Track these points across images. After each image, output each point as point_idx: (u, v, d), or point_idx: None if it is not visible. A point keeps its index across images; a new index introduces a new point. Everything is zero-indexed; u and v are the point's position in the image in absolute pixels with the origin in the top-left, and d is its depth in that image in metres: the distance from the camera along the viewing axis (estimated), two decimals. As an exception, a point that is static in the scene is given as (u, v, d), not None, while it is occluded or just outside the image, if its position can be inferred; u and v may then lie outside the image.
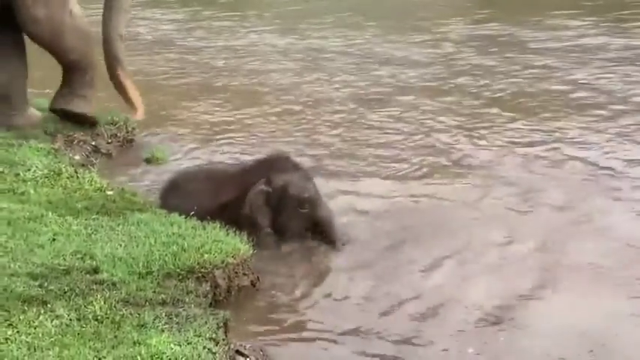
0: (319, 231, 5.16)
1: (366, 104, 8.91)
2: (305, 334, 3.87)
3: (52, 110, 6.47)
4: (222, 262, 4.02)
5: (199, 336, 3.14)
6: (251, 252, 4.26)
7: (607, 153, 6.93)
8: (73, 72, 6.25)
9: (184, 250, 4.02)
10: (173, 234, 4.27)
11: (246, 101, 9.11)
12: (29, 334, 2.98)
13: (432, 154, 6.98)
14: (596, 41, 12.16)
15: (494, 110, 8.49)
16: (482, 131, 7.67)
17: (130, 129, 6.97)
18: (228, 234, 4.37)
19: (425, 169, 6.61)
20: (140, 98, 6.59)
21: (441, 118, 8.16)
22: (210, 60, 11.83)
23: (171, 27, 15.14)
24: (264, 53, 12.68)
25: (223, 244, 4.18)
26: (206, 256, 3.96)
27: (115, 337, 3.03)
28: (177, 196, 5.04)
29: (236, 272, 4.09)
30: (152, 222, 4.44)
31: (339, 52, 12.60)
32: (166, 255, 3.94)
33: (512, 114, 8.27)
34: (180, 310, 3.40)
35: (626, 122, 7.80)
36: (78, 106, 6.25)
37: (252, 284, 4.24)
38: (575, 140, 7.38)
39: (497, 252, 5.01)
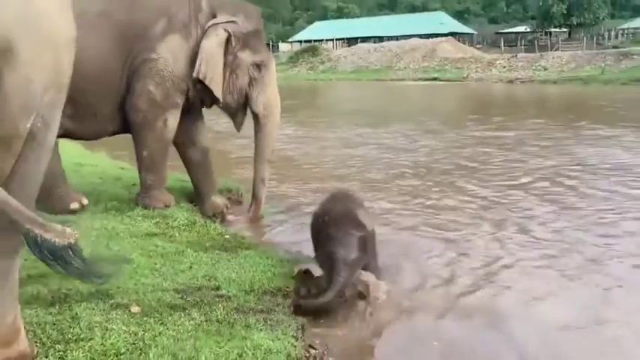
0: None
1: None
2: (360, 333, 3.63)
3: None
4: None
5: (285, 334, 3.21)
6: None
7: None
8: (140, 169, 5.52)
9: (275, 275, 4.10)
10: (268, 264, 4.32)
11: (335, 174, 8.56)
12: (174, 330, 3.06)
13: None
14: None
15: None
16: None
17: (239, 194, 6.72)
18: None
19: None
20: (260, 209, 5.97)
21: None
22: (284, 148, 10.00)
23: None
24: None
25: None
26: (290, 279, 3.99)
27: (230, 333, 3.11)
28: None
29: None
30: (254, 256, 4.48)
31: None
32: (264, 278, 4.01)
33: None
34: (273, 316, 3.45)
35: None
36: (147, 204, 5.44)
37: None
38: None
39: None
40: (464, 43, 50.43)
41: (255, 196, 5.88)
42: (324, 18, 74.96)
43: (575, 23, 45.60)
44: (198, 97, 5.45)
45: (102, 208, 5.44)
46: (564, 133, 12.11)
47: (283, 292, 3.86)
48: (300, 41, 59.94)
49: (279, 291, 3.88)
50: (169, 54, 5.15)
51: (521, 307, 4.02)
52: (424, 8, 75.17)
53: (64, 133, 5.02)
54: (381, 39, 54.57)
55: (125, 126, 5.38)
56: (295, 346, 3.12)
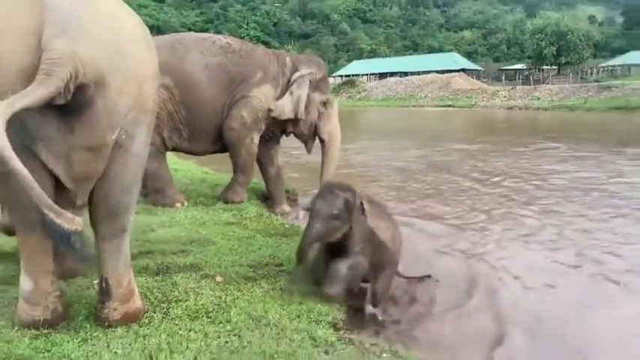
0: None
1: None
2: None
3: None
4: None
5: (332, 302, 3.19)
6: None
7: None
8: (235, 170, 5.69)
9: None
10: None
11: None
12: (248, 295, 3.12)
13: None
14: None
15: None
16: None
17: (295, 194, 6.65)
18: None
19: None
20: None
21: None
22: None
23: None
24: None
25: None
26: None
27: (290, 299, 3.14)
28: None
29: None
30: None
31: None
32: None
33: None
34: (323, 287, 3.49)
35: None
36: (229, 198, 5.62)
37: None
38: None
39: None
40: (472, 78, 49.62)
41: None
42: (360, 57, 74.61)
43: (563, 62, 44.38)
44: (279, 128, 5.72)
45: (192, 203, 5.53)
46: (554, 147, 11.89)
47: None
48: (342, 75, 59.80)
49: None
50: (262, 95, 5.41)
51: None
52: (440, 50, 74.16)
53: (181, 149, 5.54)
54: (405, 74, 54.02)
55: (223, 147, 5.64)
56: (340, 311, 3.14)
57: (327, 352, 2.53)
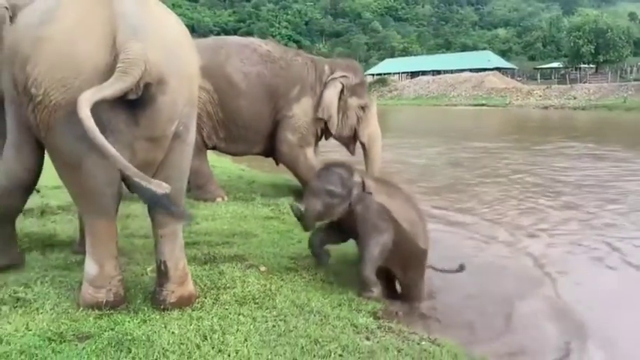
0: None
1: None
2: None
3: None
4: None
5: None
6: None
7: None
8: (301, 184, 5.76)
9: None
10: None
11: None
12: (291, 284, 3.26)
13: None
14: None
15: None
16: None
17: None
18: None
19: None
20: None
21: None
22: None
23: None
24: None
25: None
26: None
27: (331, 289, 3.29)
28: None
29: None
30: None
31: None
32: (353, 251, 3.86)
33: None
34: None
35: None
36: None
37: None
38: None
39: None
40: (507, 76, 48.98)
41: None
42: (392, 56, 74.36)
43: (601, 60, 43.42)
44: (320, 132, 5.92)
45: (232, 198, 5.72)
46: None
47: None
48: (373, 74, 59.73)
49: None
50: (301, 111, 5.62)
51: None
52: (474, 48, 73.24)
53: (217, 148, 5.78)
54: (438, 72, 53.68)
55: (264, 151, 5.90)
56: (379, 301, 3.26)
57: (368, 338, 2.65)
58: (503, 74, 49.24)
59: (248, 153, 6.01)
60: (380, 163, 5.99)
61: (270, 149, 5.86)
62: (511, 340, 3.18)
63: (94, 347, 2.28)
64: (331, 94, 5.63)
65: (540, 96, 37.66)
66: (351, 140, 6.03)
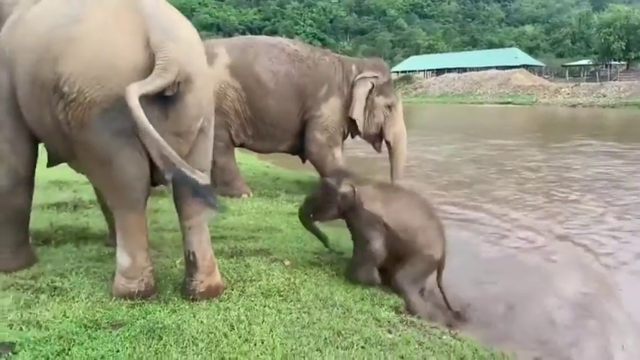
0: None
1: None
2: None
3: None
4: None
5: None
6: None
7: None
8: None
9: None
10: None
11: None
12: (315, 278, 3.33)
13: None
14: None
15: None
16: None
17: None
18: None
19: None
20: None
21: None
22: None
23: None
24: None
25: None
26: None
27: (354, 283, 3.32)
28: None
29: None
30: None
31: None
32: None
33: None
34: (384, 275, 3.63)
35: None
36: None
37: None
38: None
39: None
40: (534, 74, 48.19)
41: None
42: (417, 53, 73.83)
43: (633, 57, 42.38)
44: (347, 131, 6.00)
45: (257, 194, 5.84)
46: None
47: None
48: (398, 72, 59.37)
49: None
50: (329, 111, 5.70)
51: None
52: (500, 45, 72.22)
53: (244, 146, 5.88)
54: (464, 70, 53.16)
55: (291, 149, 6.00)
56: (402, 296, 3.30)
57: (390, 332, 2.72)
58: (530, 72, 48.48)
59: (275, 150, 6.10)
60: (404, 161, 6.05)
61: (297, 147, 5.95)
62: (538, 338, 3.18)
63: (127, 334, 2.40)
64: (360, 94, 5.69)
65: (568, 94, 37.01)
66: (377, 138, 6.10)
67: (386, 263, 3.36)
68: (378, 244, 3.31)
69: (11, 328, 2.43)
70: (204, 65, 2.78)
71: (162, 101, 2.49)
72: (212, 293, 2.89)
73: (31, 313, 2.58)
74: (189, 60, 2.55)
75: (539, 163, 9.94)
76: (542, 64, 56.41)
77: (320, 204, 3.49)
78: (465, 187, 7.67)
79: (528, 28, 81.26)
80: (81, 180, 4.82)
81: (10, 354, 2.19)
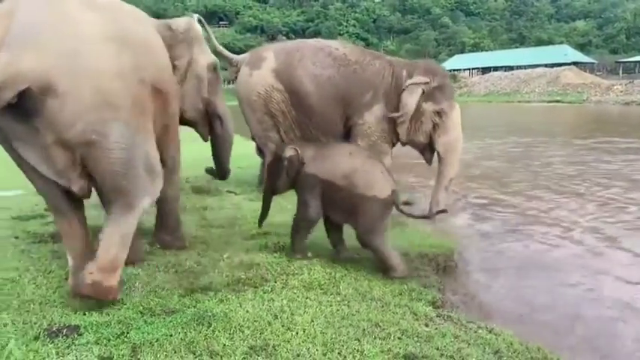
0: None
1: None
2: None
3: None
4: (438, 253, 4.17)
5: (430, 284, 3.59)
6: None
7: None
8: None
9: (424, 245, 4.31)
10: (420, 237, 4.55)
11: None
12: (354, 273, 3.46)
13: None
14: None
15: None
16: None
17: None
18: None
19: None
20: None
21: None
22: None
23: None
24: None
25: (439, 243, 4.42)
26: (432, 249, 4.23)
27: (392, 279, 3.48)
28: None
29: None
30: (409, 232, 4.72)
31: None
32: (415, 246, 4.24)
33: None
34: (422, 272, 3.80)
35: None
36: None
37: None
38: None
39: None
40: (585, 71, 46.68)
41: (430, 207, 5.37)
42: (463, 52, 72.76)
43: (692, 52, 40.48)
44: (397, 138, 5.58)
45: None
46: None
47: (430, 257, 4.10)
48: (442, 71, 58.57)
49: (427, 255, 4.12)
50: (372, 119, 5.41)
51: None
52: (550, 42, 70.23)
53: None
54: (511, 68, 52.09)
55: None
56: (440, 292, 3.44)
57: (427, 325, 2.81)
58: (581, 69, 47.00)
59: None
60: (452, 176, 5.45)
61: None
62: (575, 336, 3.20)
63: (179, 320, 2.59)
64: (409, 102, 5.30)
65: (621, 91, 35.71)
66: (426, 147, 5.59)
67: (341, 221, 3.71)
68: (313, 206, 3.59)
69: (75, 313, 2.67)
70: (92, 65, 2.47)
71: (25, 113, 2.39)
72: (97, 292, 2.68)
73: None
74: (51, 64, 2.34)
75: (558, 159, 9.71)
76: (594, 60, 54.62)
77: (272, 174, 3.69)
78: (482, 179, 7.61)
79: (580, 24, 78.81)
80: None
81: (76, 335, 2.42)
